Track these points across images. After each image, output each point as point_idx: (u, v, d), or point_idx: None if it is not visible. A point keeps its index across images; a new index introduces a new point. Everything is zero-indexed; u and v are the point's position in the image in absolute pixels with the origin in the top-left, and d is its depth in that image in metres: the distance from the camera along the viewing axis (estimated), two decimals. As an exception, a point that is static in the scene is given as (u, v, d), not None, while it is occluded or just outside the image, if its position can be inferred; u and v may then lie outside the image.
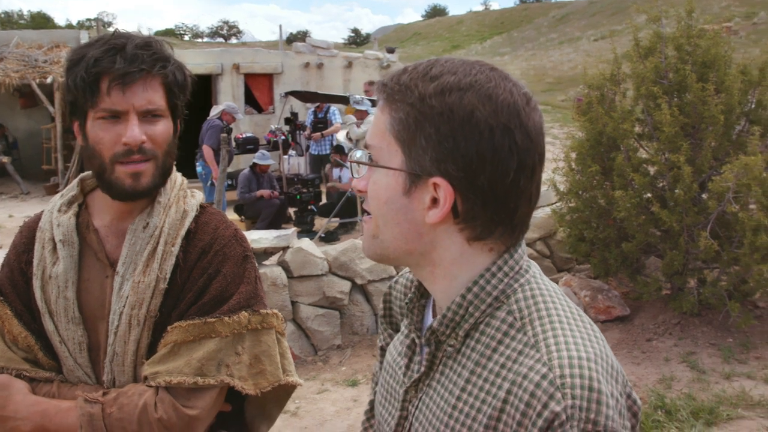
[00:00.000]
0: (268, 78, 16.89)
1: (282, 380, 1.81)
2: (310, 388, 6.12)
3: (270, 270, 6.93)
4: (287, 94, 14.76)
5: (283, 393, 1.91)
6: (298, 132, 13.60)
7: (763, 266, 5.72)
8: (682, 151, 6.07)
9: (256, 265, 1.87)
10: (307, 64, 17.22)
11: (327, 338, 7.10)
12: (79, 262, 1.78)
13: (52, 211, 1.83)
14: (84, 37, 17.32)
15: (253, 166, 11.16)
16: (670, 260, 6.33)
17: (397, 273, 1.51)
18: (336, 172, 11.65)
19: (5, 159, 16.14)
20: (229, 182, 11.53)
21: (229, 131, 11.14)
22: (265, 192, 11.05)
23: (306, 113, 14.35)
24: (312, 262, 7.07)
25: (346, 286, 7.22)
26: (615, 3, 46.28)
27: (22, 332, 1.77)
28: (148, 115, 1.69)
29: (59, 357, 1.79)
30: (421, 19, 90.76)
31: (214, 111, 11.82)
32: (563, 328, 1.13)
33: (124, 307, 1.72)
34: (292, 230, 7.61)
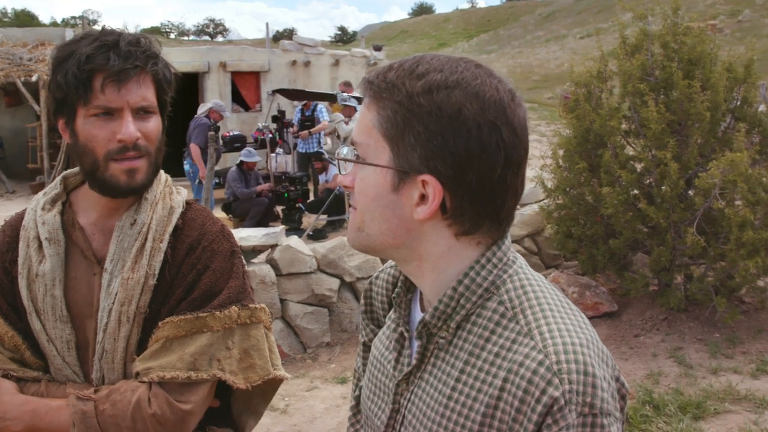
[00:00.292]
0: (255, 76, 16.84)
1: (271, 374, 1.82)
2: (299, 385, 6.12)
3: (258, 268, 6.92)
4: (274, 92, 14.72)
5: (269, 388, 1.91)
6: (285, 130, 13.57)
7: (749, 262, 5.76)
8: (668, 148, 6.11)
9: (243, 260, 1.87)
10: (294, 62, 17.18)
11: (316, 336, 7.10)
12: (66, 260, 1.77)
13: (36, 210, 1.82)
14: (69, 35, 17.18)
15: (241, 163, 11.14)
16: (657, 256, 6.36)
17: (383, 269, 1.52)
18: (322, 177, 11.70)
19: (-10, 158, 16.03)
20: (217, 180, 11.50)
21: (217, 129, 11.12)
22: (264, 186, 11.08)
23: (293, 111, 14.33)
24: (300, 259, 7.06)
25: (334, 283, 7.22)
26: (601, 1, 46.47)
27: (9, 332, 1.76)
28: (140, 112, 1.69)
29: (47, 356, 1.78)
30: (407, 16, 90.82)
31: (202, 109, 11.79)
32: (554, 316, 1.15)
33: (113, 304, 1.72)
34: (281, 228, 7.60)
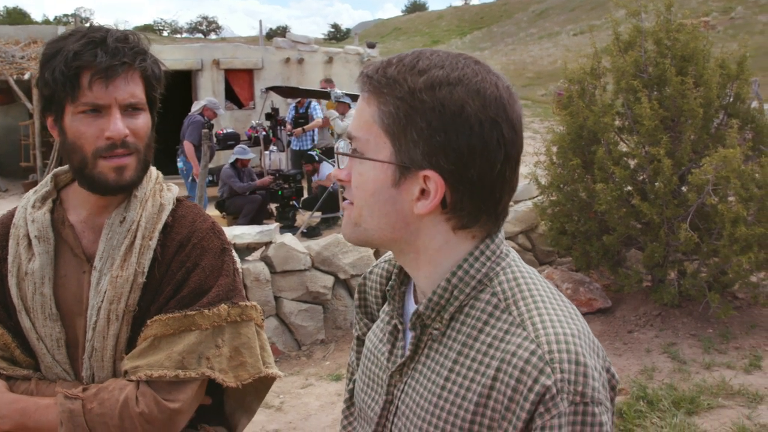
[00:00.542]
0: (249, 73, 16.84)
1: (262, 372, 1.81)
2: (294, 383, 6.12)
3: (253, 265, 6.91)
4: (268, 89, 14.73)
5: (262, 386, 1.91)
6: (279, 127, 13.57)
7: (742, 257, 5.78)
8: (661, 145, 6.12)
9: (234, 257, 1.87)
10: (287, 60, 17.17)
11: (310, 333, 7.10)
12: (55, 258, 1.77)
13: (26, 207, 1.81)
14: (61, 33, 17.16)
15: (235, 161, 11.14)
16: (650, 252, 6.38)
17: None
18: (314, 178, 11.72)
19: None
20: (210, 178, 11.50)
21: (210, 127, 11.10)
22: (265, 180, 11.09)
23: (287, 108, 14.32)
24: (295, 257, 7.06)
25: (329, 280, 7.22)
26: (594, -2, 46.49)
27: None
28: (129, 109, 1.69)
29: (37, 354, 1.77)
30: (401, 14, 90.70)
31: (195, 107, 11.78)
32: (546, 307, 1.17)
33: (102, 302, 1.71)
34: (275, 225, 7.60)
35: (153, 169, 1.88)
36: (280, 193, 10.99)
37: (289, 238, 7.28)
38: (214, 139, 11.97)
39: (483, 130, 1.14)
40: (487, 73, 1.18)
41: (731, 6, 34.73)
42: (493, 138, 1.15)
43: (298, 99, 13.30)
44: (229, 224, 10.26)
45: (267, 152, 13.15)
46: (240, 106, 16.91)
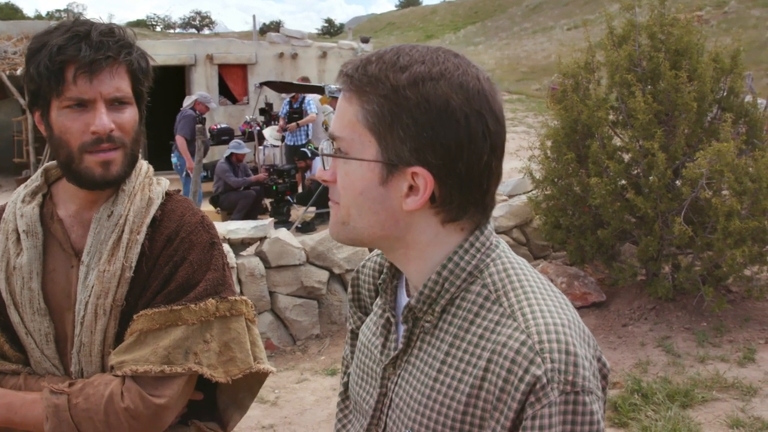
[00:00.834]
0: (242, 68, 16.81)
1: (253, 367, 1.80)
2: (289, 377, 6.12)
3: (247, 260, 6.91)
4: (262, 84, 14.69)
5: (255, 381, 1.89)
6: (273, 123, 13.54)
7: (736, 251, 5.80)
8: (656, 139, 6.13)
9: (224, 252, 1.85)
10: (281, 55, 17.15)
11: (305, 328, 7.10)
12: (44, 253, 1.76)
13: (16, 202, 1.81)
14: (54, 28, 17.09)
15: (230, 155, 11.12)
16: (645, 246, 6.39)
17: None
18: (307, 174, 11.73)
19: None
20: (205, 174, 11.48)
21: (203, 121, 11.08)
22: (260, 176, 11.09)
23: (281, 103, 14.29)
24: (289, 252, 7.06)
25: (323, 275, 7.22)
26: (587, -8, 46.47)
27: None
28: (115, 103, 1.67)
29: (26, 349, 1.77)
30: (394, 9, 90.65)
31: (187, 101, 11.77)
32: (536, 297, 1.18)
33: (89, 296, 1.70)
34: (269, 221, 7.60)
35: (144, 163, 1.87)
36: (274, 188, 10.97)
37: (283, 233, 7.28)
38: (208, 135, 11.96)
39: (469, 123, 1.15)
40: (468, 66, 1.19)
41: (724, 0, 34.75)
42: (479, 130, 1.16)
43: (292, 94, 13.27)
44: (224, 219, 10.25)
45: (261, 147, 13.13)
46: (234, 101, 16.89)
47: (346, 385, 1.53)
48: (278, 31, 18.92)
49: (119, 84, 1.67)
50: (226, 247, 6.72)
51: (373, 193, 1.19)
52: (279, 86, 14.24)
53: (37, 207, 1.78)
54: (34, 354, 1.76)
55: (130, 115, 1.71)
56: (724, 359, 5.72)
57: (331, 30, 76.04)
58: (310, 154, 11.63)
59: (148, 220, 1.77)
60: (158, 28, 76.11)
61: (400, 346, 1.27)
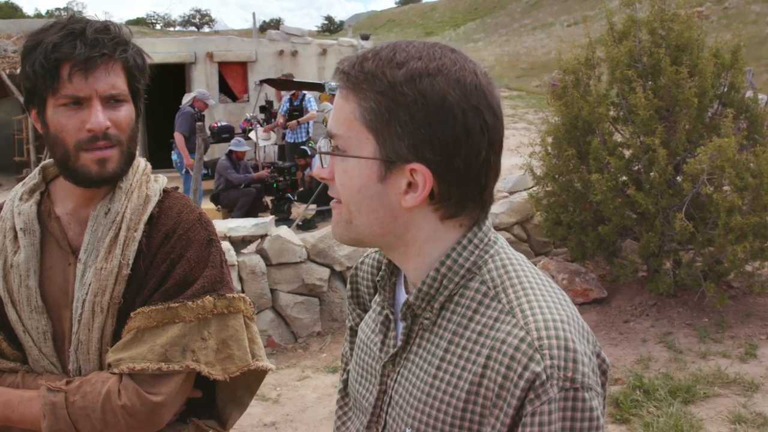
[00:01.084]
0: (242, 66, 16.80)
1: (251, 365, 1.80)
2: (290, 375, 6.13)
3: (248, 258, 6.91)
4: (262, 82, 14.68)
5: (254, 379, 1.89)
6: (273, 120, 13.54)
7: (737, 247, 5.79)
8: (656, 134, 6.12)
9: (222, 249, 1.84)
10: (281, 52, 17.13)
11: (307, 325, 7.11)
12: (42, 251, 1.76)
13: (14, 200, 1.80)
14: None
15: (230, 153, 11.12)
16: (646, 242, 6.39)
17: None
18: (307, 171, 11.74)
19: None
20: (205, 171, 11.48)
21: (202, 118, 11.08)
22: (263, 173, 11.09)
23: (281, 101, 14.29)
24: (290, 249, 7.06)
25: (324, 273, 7.22)
26: (587, -12, 46.41)
27: None
28: (110, 101, 1.67)
29: (24, 347, 1.77)
30: (394, 5, 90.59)
31: (186, 99, 11.78)
32: (535, 293, 1.18)
33: (86, 294, 1.70)
34: (270, 218, 7.60)
35: (141, 161, 1.87)
36: (275, 185, 10.98)
37: (284, 231, 7.28)
38: (208, 132, 11.95)
39: (466, 118, 1.14)
40: (465, 61, 1.18)
41: (725, -4, 34.70)
42: (477, 125, 1.15)
43: (293, 91, 13.26)
44: (224, 217, 10.25)
45: (262, 145, 13.13)
46: (234, 99, 16.87)
47: (345, 383, 1.53)
48: (278, 29, 18.91)
49: (115, 81, 1.66)
50: (226, 244, 6.72)
51: (371, 190, 1.19)
52: (279, 84, 14.23)
53: (35, 205, 1.78)
54: (32, 352, 1.76)
55: (126, 112, 1.70)
56: (725, 355, 5.72)
57: (331, 27, 75.99)
58: (309, 152, 11.62)
59: (145, 218, 1.76)
60: (158, 26, 76.06)
61: (400, 343, 1.27)
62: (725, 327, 6.19)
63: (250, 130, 13.18)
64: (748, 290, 6.59)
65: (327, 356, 6.59)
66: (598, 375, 1.15)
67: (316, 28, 74.50)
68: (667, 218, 6.28)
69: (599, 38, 7.35)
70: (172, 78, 15.87)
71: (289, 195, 11.19)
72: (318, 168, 1.27)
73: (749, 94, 6.97)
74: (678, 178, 6.42)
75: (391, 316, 1.32)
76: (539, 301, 1.16)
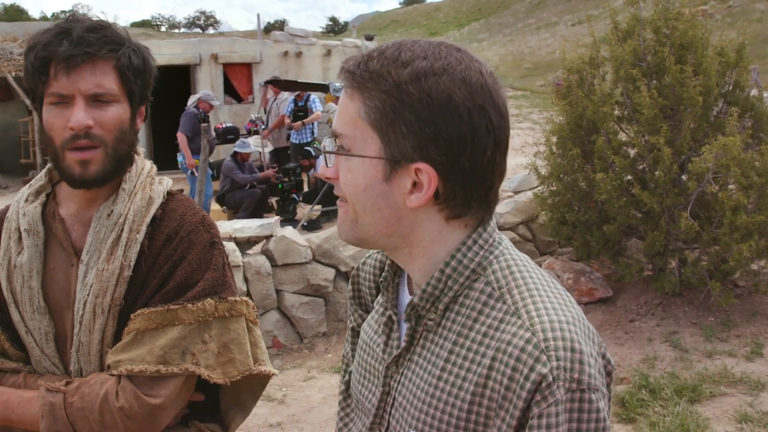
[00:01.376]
0: (247, 67, 16.83)
1: (252, 369, 1.78)
2: (296, 375, 6.13)
3: (254, 259, 6.92)
4: (266, 83, 14.70)
5: (257, 383, 1.88)
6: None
7: (742, 245, 5.78)
8: (661, 133, 6.11)
9: (226, 252, 1.84)
10: (285, 53, 17.15)
11: (312, 326, 7.11)
12: (45, 252, 1.76)
13: (19, 201, 1.81)
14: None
15: (235, 154, 11.14)
16: (651, 241, 6.38)
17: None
18: (311, 172, 11.75)
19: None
20: (211, 173, 11.50)
21: (206, 119, 11.09)
22: (269, 172, 11.11)
23: (286, 102, 14.29)
24: (295, 250, 7.07)
25: (330, 273, 7.23)
26: (591, -12, 46.33)
27: None
28: (96, 100, 1.65)
29: (27, 347, 1.77)
30: (398, 6, 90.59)
31: (191, 100, 11.80)
32: (540, 294, 1.17)
33: (88, 295, 1.70)
34: (275, 219, 7.61)
35: (147, 163, 1.86)
36: (280, 186, 10.99)
37: (289, 232, 7.29)
38: (214, 134, 11.97)
39: (472, 118, 1.14)
40: (470, 60, 1.18)
41: (729, -6, 34.61)
42: (482, 125, 1.15)
43: (297, 92, 13.27)
44: (230, 218, 10.26)
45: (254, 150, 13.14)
46: (239, 100, 16.90)
47: (347, 384, 1.52)
48: (282, 30, 18.93)
49: (101, 80, 1.65)
50: (232, 245, 6.73)
51: (376, 190, 1.18)
52: (284, 85, 14.25)
53: (40, 206, 1.79)
54: (34, 352, 1.76)
55: (114, 113, 1.68)
56: (731, 354, 5.71)
57: (336, 28, 76.03)
58: (314, 153, 11.63)
59: (147, 219, 1.76)
60: (163, 28, 76.18)
61: (403, 344, 1.26)
62: (731, 326, 6.18)
63: (255, 131, 13.19)
64: (753, 289, 6.57)
65: (332, 356, 6.60)
66: (603, 376, 1.15)
67: (320, 29, 74.54)
68: (673, 217, 6.27)
69: (603, 37, 7.33)
70: (177, 80, 15.91)
71: (294, 196, 11.20)
72: (323, 167, 1.26)
73: (754, 92, 6.96)
74: (683, 177, 6.41)
75: (394, 317, 1.31)
76: (544, 302, 1.15)
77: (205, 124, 9.55)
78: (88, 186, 1.71)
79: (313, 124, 12.77)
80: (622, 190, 6.54)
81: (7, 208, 1.86)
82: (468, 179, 1.17)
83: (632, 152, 6.71)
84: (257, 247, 7.17)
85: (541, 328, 1.11)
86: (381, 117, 1.15)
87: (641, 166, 6.65)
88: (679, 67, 6.25)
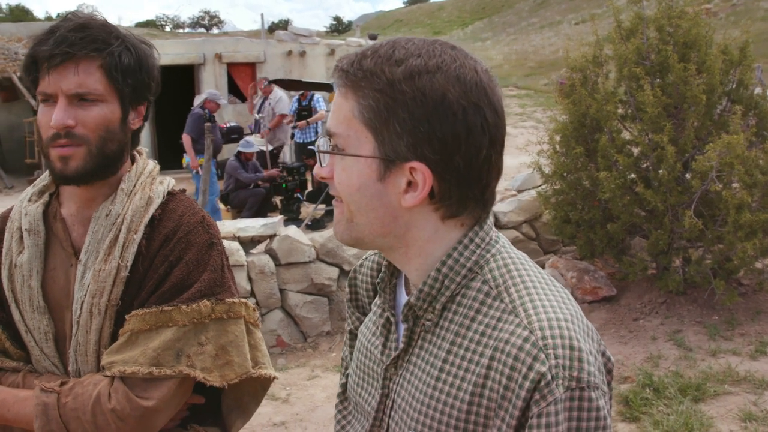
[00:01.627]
0: (251, 67, 16.83)
1: (250, 372, 1.76)
2: (300, 374, 6.14)
3: (257, 258, 6.93)
4: (270, 82, 14.71)
5: (259, 387, 1.87)
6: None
7: (746, 244, 5.77)
8: (665, 132, 6.11)
9: (226, 253, 1.82)
10: (289, 53, 17.16)
11: (316, 325, 7.12)
12: (46, 252, 1.76)
13: (23, 201, 1.82)
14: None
15: (239, 154, 11.15)
16: (655, 240, 6.37)
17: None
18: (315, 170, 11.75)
19: (-12, 154, 16.04)
20: (215, 172, 11.51)
21: (211, 119, 11.09)
22: (273, 171, 11.11)
23: (290, 101, 14.30)
24: (299, 249, 7.07)
25: (333, 272, 7.23)
26: (595, -14, 46.25)
27: None
28: (79, 99, 1.64)
29: (27, 346, 1.77)
30: (402, 5, 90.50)
31: (197, 100, 11.80)
32: (538, 292, 1.16)
33: (85, 296, 1.69)
34: (279, 218, 7.61)
35: (150, 163, 1.86)
36: (284, 185, 11.00)
37: (293, 231, 7.29)
38: (219, 134, 11.98)
39: (466, 116, 1.13)
40: (465, 58, 1.17)
41: (734, -8, 34.53)
42: (477, 123, 1.14)
43: (301, 91, 13.28)
44: (234, 217, 10.27)
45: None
46: (243, 99, 16.90)
47: (344, 386, 1.51)
48: (286, 30, 18.94)
49: (84, 80, 1.64)
50: (235, 245, 6.74)
51: (370, 189, 1.17)
52: (288, 84, 14.25)
53: (42, 206, 1.79)
54: (34, 352, 1.76)
55: (98, 112, 1.66)
56: (735, 352, 5.70)
57: (339, 27, 76.01)
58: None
59: (146, 220, 1.74)
60: (167, 28, 76.24)
61: (401, 345, 1.25)
62: (735, 324, 6.17)
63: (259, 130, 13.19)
64: (758, 287, 6.56)
65: (336, 356, 6.60)
66: (603, 374, 1.14)
67: (324, 29, 74.52)
68: (676, 216, 6.27)
69: (607, 36, 7.33)
70: (181, 79, 15.92)
71: (298, 195, 11.20)
72: (318, 167, 1.25)
73: (758, 90, 6.95)
74: (687, 175, 6.40)
75: (392, 319, 1.30)
76: (542, 300, 1.15)
77: (208, 124, 9.55)
78: (69, 182, 1.70)
79: (317, 123, 12.77)
80: (626, 189, 6.54)
81: (11, 209, 1.86)
82: (463, 178, 1.16)
83: (636, 151, 6.70)
84: (261, 247, 7.18)
85: (539, 326, 1.10)
86: (375, 116, 1.14)
87: (645, 165, 6.64)
88: (682, 66, 6.24)
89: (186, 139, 10.93)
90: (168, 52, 15.16)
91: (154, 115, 16.35)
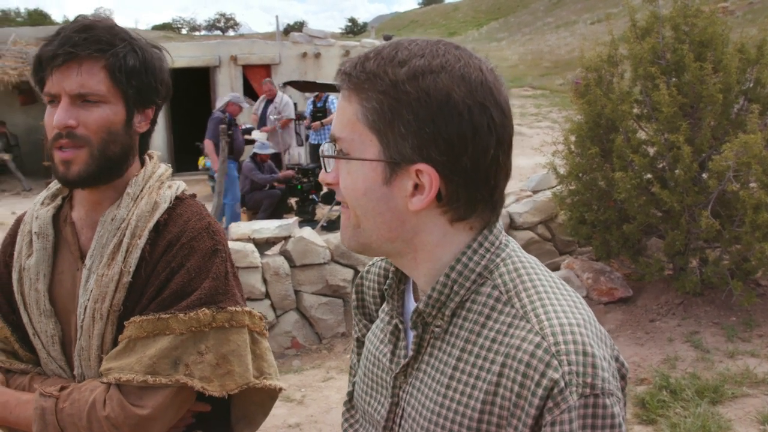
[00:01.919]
0: (266, 69, 16.88)
1: (252, 382, 1.73)
2: (315, 376, 6.14)
3: (272, 260, 6.94)
4: (285, 84, 14.74)
5: (266, 397, 1.85)
6: (297, 122, 13.58)
7: (764, 244, 5.72)
8: (681, 131, 6.06)
9: (231, 260, 1.79)
10: (304, 54, 17.20)
11: (331, 326, 7.12)
12: (55, 255, 1.76)
13: (36, 205, 1.82)
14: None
15: (254, 155, 11.18)
16: (671, 240, 6.33)
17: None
18: None
19: (6, 156, 16.15)
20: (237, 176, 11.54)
21: (231, 123, 11.10)
22: (288, 172, 11.14)
23: (305, 103, 14.34)
24: (314, 250, 7.08)
25: (348, 273, 7.23)
26: (611, -15, 46.05)
27: None
28: (81, 100, 1.64)
29: (35, 349, 1.77)
30: (417, 6, 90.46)
31: (219, 103, 11.84)
32: (549, 297, 1.13)
33: (88, 300, 1.69)
34: (294, 220, 7.63)
35: (161, 166, 1.84)
36: (299, 187, 11.02)
37: (308, 232, 7.30)
38: (241, 136, 12.00)
39: (472, 116, 1.10)
40: (470, 57, 1.14)
41: (751, -10, 34.24)
42: (484, 123, 1.11)
43: (316, 93, 13.29)
44: (249, 219, 10.30)
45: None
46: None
47: (351, 395, 1.48)
48: (301, 31, 18.98)
49: (86, 81, 1.63)
50: (250, 246, 6.75)
51: (377, 193, 1.15)
52: (302, 86, 14.28)
53: (53, 209, 1.79)
54: (42, 354, 1.76)
55: (100, 114, 1.65)
56: (753, 354, 5.65)
57: (355, 29, 76.17)
58: None
59: (150, 225, 1.72)
60: (184, 31, 76.60)
61: (410, 353, 1.23)
62: (753, 326, 6.12)
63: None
64: (776, 288, 6.50)
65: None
66: (617, 379, 1.11)
67: (339, 30, 74.68)
68: (693, 216, 6.22)
69: (622, 35, 7.29)
70: (197, 82, 15.99)
71: (314, 196, 11.22)
72: (323, 173, 1.23)
73: (776, 89, 6.88)
74: (703, 175, 6.35)
75: (400, 326, 1.27)
76: (554, 305, 1.12)
77: (223, 126, 9.57)
78: (72, 186, 1.70)
79: (331, 124, 12.79)
80: (642, 189, 6.49)
81: (24, 213, 1.88)
82: (471, 180, 1.13)
83: (652, 151, 6.66)
84: (276, 248, 7.20)
85: (552, 332, 1.07)
86: (379, 118, 1.12)
87: (661, 165, 6.60)
88: (698, 65, 6.19)
89: (208, 144, 10.93)
90: (184, 55, 15.23)
91: (169, 117, 16.43)
